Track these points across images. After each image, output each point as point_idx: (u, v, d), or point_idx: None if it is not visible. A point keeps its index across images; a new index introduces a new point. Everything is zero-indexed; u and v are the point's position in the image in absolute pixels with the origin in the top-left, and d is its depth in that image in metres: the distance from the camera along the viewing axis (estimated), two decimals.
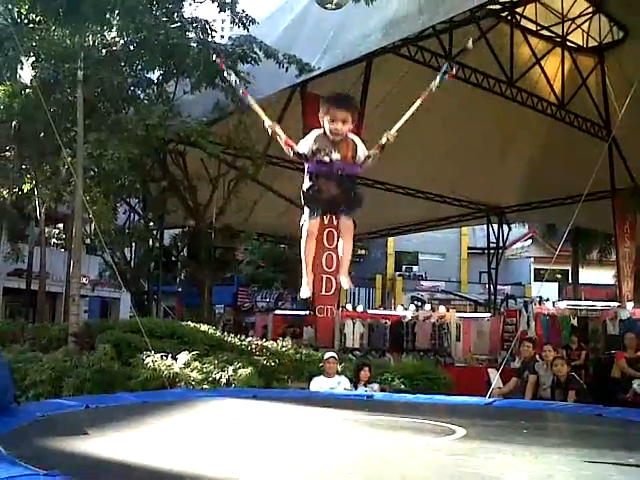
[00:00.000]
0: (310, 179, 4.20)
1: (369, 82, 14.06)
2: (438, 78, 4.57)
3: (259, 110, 4.47)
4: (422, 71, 14.12)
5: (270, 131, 4.25)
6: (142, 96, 13.65)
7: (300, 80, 13.07)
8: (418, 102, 4.52)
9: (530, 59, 16.10)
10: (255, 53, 12.81)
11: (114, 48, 12.38)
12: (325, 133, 4.15)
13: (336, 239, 13.43)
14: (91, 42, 12.01)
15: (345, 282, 4.56)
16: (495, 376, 10.47)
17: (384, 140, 4.21)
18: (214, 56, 5.69)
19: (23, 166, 13.52)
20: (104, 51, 12.42)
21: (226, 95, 12.81)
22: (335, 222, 4.46)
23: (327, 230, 14.28)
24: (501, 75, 15.15)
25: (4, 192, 14.42)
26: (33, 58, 12.03)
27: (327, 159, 4.11)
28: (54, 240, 27.82)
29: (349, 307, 19.51)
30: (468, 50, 4.93)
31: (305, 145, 4.18)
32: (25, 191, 13.74)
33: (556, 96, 16.50)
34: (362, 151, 4.20)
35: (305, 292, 4.53)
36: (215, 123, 14.08)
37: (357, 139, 4.24)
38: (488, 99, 15.93)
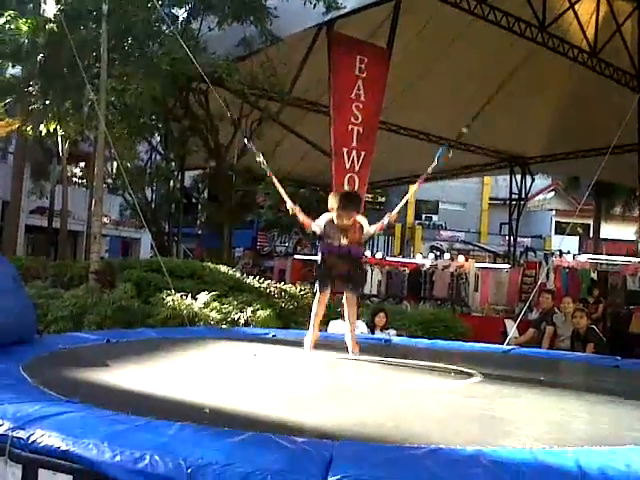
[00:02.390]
0: (322, 256, 4.94)
1: (397, 22, 13.75)
2: (435, 161, 5.28)
3: (282, 190, 5.28)
4: (451, 12, 13.78)
5: (290, 212, 4.97)
6: (167, 32, 13.49)
7: (327, 19, 12.81)
8: (416, 186, 5.81)
9: (563, 3, 15.63)
10: None
11: None
12: (334, 220, 4.80)
13: (357, 182, 13.38)
14: None
15: (350, 347, 5.25)
16: (512, 326, 10.47)
17: (386, 220, 5.03)
18: (245, 140, 6.25)
19: (46, 102, 13.45)
20: None
21: (255, 26, 12.65)
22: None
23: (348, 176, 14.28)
24: (533, 19, 14.72)
25: (28, 129, 14.39)
26: None
27: (336, 243, 4.81)
28: (76, 179, 27.94)
29: (368, 254, 19.51)
30: (463, 134, 6.09)
31: (319, 225, 4.85)
32: (50, 129, 13.69)
33: (588, 43, 16.04)
34: (366, 231, 4.89)
35: (306, 348, 5.23)
36: (241, 61, 13.89)
37: (362, 220, 4.89)
38: (515, 45, 15.54)
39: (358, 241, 4.87)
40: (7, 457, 2.35)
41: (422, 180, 5.35)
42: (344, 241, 4.77)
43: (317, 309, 5.17)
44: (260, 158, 5.60)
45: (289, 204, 4.98)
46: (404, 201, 5.33)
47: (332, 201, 4.82)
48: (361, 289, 5.19)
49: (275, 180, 5.38)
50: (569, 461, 2.26)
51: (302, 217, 4.91)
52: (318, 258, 4.96)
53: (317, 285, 5.09)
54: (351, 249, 4.83)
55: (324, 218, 4.84)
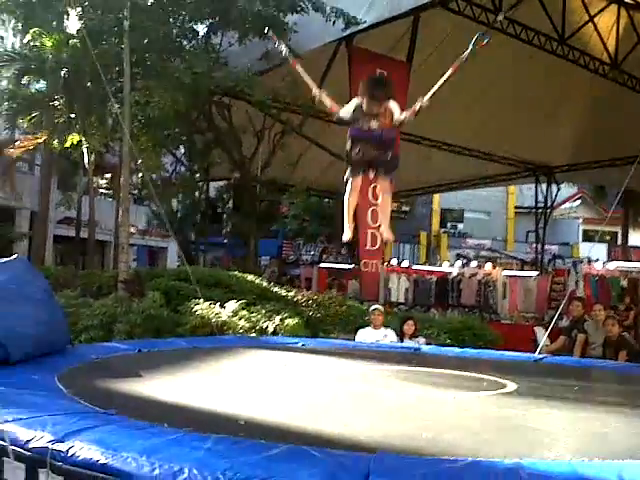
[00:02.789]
0: (352, 142, 4.65)
1: (416, 37, 13.74)
2: (470, 47, 4.97)
3: (306, 76, 4.94)
4: (470, 26, 13.72)
5: (317, 98, 4.72)
6: (188, 47, 13.61)
7: (346, 34, 12.85)
8: (451, 70, 4.94)
9: (583, 16, 15.51)
10: (303, 3, 12.64)
11: None
12: (363, 106, 4.58)
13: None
14: None
15: (386, 234, 5.13)
16: (542, 334, 10.36)
17: (418, 106, 4.62)
18: (270, 33, 5.92)
19: (71, 115, 13.62)
20: (150, 1, 12.38)
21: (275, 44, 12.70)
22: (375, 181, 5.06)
23: (372, 186, 14.22)
24: (552, 32, 14.63)
25: (54, 142, 14.57)
26: (79, 8, 12.03)
27: (366, 127, 4.55)
28: (102, 190, 28.19)
29: (394, 262, 19.45)
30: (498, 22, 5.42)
31: (347, 111, 4.61)
32: (75, 141, 13.86)
33: (609, 55, 15.89)
34: (397, 117, 4.58)
35: (346, 235, 5.08)
36: (262, 74, 13.97)
37: (394, 105, 4.63)
38: (538, 56, 15.43)
39: (389, 125, 4.62)
40: (48, 469, 2.36)
41: (455, 66, 4.98)
42: (374, 124, 4.55)
43: (350, 198, 4.95)
44: (283, 46, 5.44)
45: (314, 90, 4.77)
46: (436, 87, 4.89)
47: (361, 88, 4.68)
48: (394, 173, 4.88)
49: (299, 67, 5.07)
50: (611, 474, 2.22)
51: (329, 102, 4.69)
52: (348, 143, 4.70)
53: (348, 172, 4.83)
54: (383, 132, 4.59)
55: (354, 102, 4.65)
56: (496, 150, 21.30)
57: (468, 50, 4.93)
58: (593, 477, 2.22)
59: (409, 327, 8.73)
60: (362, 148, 4.62)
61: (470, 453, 2.52)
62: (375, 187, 13.21)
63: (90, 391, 3.52)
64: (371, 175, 4.90)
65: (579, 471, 2.28)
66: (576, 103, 18.43)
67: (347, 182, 4.88)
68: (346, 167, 4.85)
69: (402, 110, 4.67)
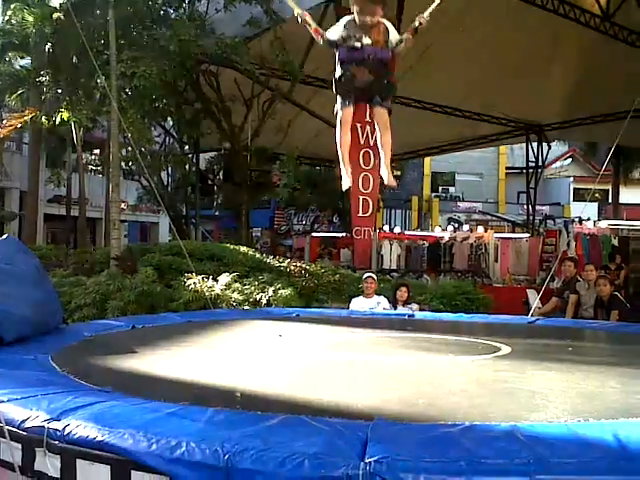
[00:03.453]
0: (342, 66, 4.13)
1: None
2: None
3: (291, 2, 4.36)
4: None
5: (300, 19, 4.12)
6: (174, 15, 13.44)
7: None
8: None
9: None
10: None
11: None
12: (354, 20, 4.04)
13: (372, 158, 13.39)
14: None
15: (386, 176, 4.49)
16: (534, 296, 10.41)
17: (417, 23, 4.11)
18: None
19: (58, 90, 13.47)
20: None
21: (261, 6, 12.61)
22: (370, 116, 4.45)
23: (363, 151, 14.19)
24: None
25: (41, 118, 14.43)
26: None
27: (358, 45, 4.01)
28: (91, 166, 28.02)
29: (386, 228, 19.45)
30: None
31: (335, 32, 4.08)
32: (64, 117, 13.73)
33: (600, 7, 15.78)
34: (394, 36, 4.09)
35: (346, 183, 4.52)
36: (249, 41, 13.82)
37: (388, 24, 4.13)
38: (528, 12, 15.31)
39: (384, 43, 4.07)
40: (45, 448, 2.36)
41: None
42: (367, 40, 3.99)
43: (342, 135, 4.29)
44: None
45: (296, 10, 4.18)
46: (436, 3, 4.29)
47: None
48: (391, 101, 4.26)
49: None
50: (607, 434, 2.23)
51: (313, 24, 4.12)
52: (337, 68, 4.15)
53: (338, 102, 4.21)
54: (376, 51, 4.02)
55: (343, 20, 4.11)
56: (487, 110, 21.22)
57: None
58: (589, 437, 2.23)
59: (402, 294, 8.75)
60: (353, 71, 4.09)
61: (466, 417, 2.53)
62: (367, 152, 13.24)
63: (85, 369, 3.52)
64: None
65: (575, 432, 2.29)
66: (567, 60, 18.31)
67: (336, 115, 4.26)
68: (335, 97, 4.25)
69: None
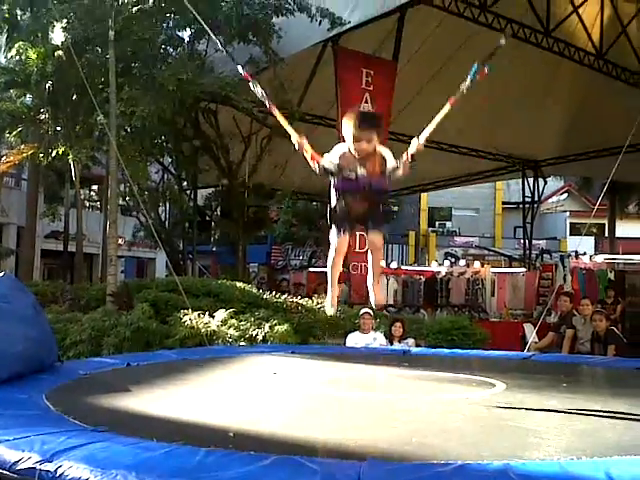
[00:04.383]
0: (337, 195, 4.07)
1: (402, 34, 13.79)
2: (469, 78, 4.36)
3: (285, 122, 4.34)
4: (456, 22, 13.80)
5: (297, 146, 4.03)
6: (174, 54, 13.62)
7: (332, 34, 12.88)
8: (448, 105, 4.30)
9: (567, 7, 15.61)
10: (289, 4, 12.70)
11: (145, 5, 12.31)
12: (350, 150, 3.94)
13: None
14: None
15: (373, 298, 4.46)
16: (531, 330, 10.41)
17: (413, 149, 3.99)
18: (239, 67, 5.57)
19: (57, 128, 13.58)
20: (134, 9, 12.36)
21: (260, 46, 12.80)
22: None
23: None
24: (537, 25, 14.72)
25: (40, 154, 14.53)
26: (65, 20, 12.02)
27: (353, 176, 3.94)
28: (89, 202, 28.13)
29: (383, 264, 19.43)
30: (501, 46, 4.54)
31: (331, 161, 3.98)
32: (60, 153, 13.83)
33: (594, 45, 16.01)
34: (390, 163, 3.97)
35: (329, 309, 4.49)
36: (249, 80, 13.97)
37: (385, 151, 4.03)
38: (523, 50, 15.53)
39: (379, 173, 3.96)
40: None
41: (453, 100, 4.32)
42: (362, 171, 3.91)
43: (335, 260, 4.27)
44: (258, 88, 4.60)
45: (294, 137, 4.08)
46: (432, 127, 4.23)
47: (346, 124, 3.94)
48: (386, 226, 4.20)
49: (277, 112, 4.47)
50: (599, 472, 2.24)
51: (310, 150, 3.99)
52: (333, 198, 4.09)
53: (333, 230, 4.15)
54: (372, 182, 3.93)
55: (338, 148, 3.99)
56: (483, 146, 21.38)
57: (467, 82, 4.37)
58: (581, 476, 2.24)
59: (397, 329, 8.79)
60: (349, 201, 4.02)
61: (459, 456, 2.54)
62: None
63: (79, 408, 3.51)
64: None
65: (567, 470, 2.30)
66: (561, 96, 18.52)
67: (330, 244, 4.24)
68: (330, 227, 4.16)
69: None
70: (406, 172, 3.97)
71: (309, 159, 4.01)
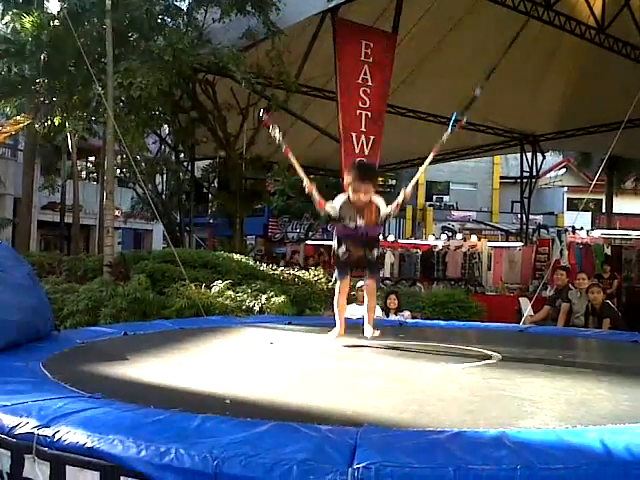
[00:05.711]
0: (339, 241, 4.76)
1: (402, 6, 13.67)
2: (449, 129, 4.85)
3: (298, 167, 4.89)
4: None
5: (307, 190, 4.63)
6: (171, 24, 13.48)
7: (331, 5, 12.76)
8: (432, 154, 4.88)
9: None
10: None
11: None
12: (349, 199, 4.57)
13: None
14: None
15: (370, 333, 5.05)
16: (527, 304, 10.46)
17: (401, 198, 4.59)
18: (261, 111, 5.58)
19: (54, 99, 13.48)
20: None
21: (258, 18, 12.69)
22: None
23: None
24: None
25: (36, 125, 14.43)
26: None
27: (352, 225, 4.59)
28: (85, 173, 28.03)
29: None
30: (477, 97, 5.60)
31: (334, 207, 4.60)
32: (56, 124, 13.74)
33: (596, 19, 15.89)
34: (383, 211, 4.60)
35: (334, 336, 5.12)
36: (245, 50, 13.88)
37: (379, 200, 4.64)
38: (522, 23, 15.43)
39: (375, 222, 4.63)
40: (34, 455, 2.36)
41: (436, 150, 4.90)
42: (360, 222, 4.56)
43: (339, 299, 5.03)
44: (277, 132, 4.98)
45: (305, 182, 4.70)
46: (418, 175, 5.05)
47: (347, 177, 4.62)
48: (380, 273, 4.88)
49: (292, 157, 4.94)
50: (594, 440, 2.25)
51: (317, 197, 4.61)
52: (334, 244, 4.78)
53: (336, 273, 4.93)
54: (368, 231, 4.62)
55: (339, 199, 4.63)
56: (482, 120, 21.28)
57: (448, 132, 4.84)
58: (577, 444, 2.25)
59: (392, 302, 8.83)
60: (349, 247, 4.70)
61: (456, 424, 2.55)
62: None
63: (76, 376, 3.51)
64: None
65: (563, 438, 2.31)
66: (561, 70, 18.44)
67: (335, 283, 4.99)
68: (333, 270, 4.96)
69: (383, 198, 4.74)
70: (396, 213, 4.69)
71: (316, 204, 4.65)
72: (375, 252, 4.78)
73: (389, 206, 4.62)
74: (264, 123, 5.23)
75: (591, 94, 18.09)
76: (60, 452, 2.32)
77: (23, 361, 3.79)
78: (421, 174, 5.10)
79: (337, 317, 5.11)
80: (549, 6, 14.60)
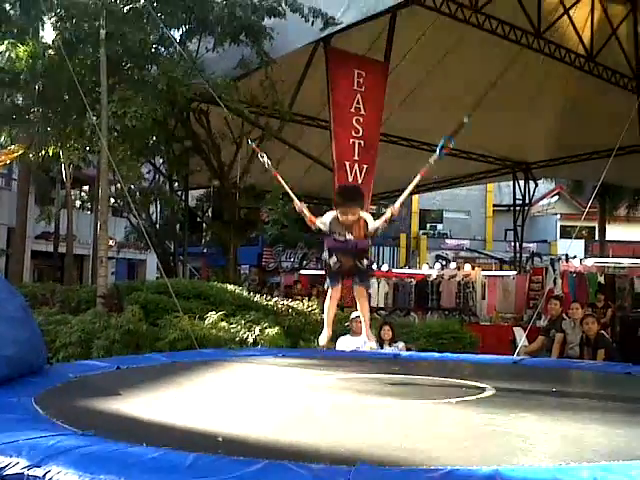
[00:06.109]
0: (330, 252, 4.89)
1: (394, 35, 13.82)
2: (437, 153, 5.01)
3: (287, 188, 5.27)
4: (448, 23, 13.85)
5: (297, 208, 4.94)
6: (165, 54, 13.57)
7: (324, 34, 12.90)
8: (419, 176, 5.08)
9: (558, 9, 15.68)
10: (281, 6, 12.72)
11: (136, 5, 12.28)
12: (338, 217, 4.73)
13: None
14: None
15: (369, 338, 5.45)
16: (521, 334, 10.44)
17: (389, 214, 4.82)
18: (249, 142, 6.11)
19: (48, 128, 13.51)
20: (126, 8, 12.32)
21: (251, 48, 12.83)
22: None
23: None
24: (528, 26, 14.79)
25: (30, 155, 14.46)
26: (55, 17, 11.97)
27: (342, 239, 4.76)
28: (79, 202, 28.02)
29: (374, 267, 19.47)
30: (465, 124, 5.84)
31: (324, 222, 4.80)
32: (51, 154, 13.77)
33: (585, 47, 16.08)
34: (371, 226, 4.77)
35: (323, 340, 5.36)
36: (239, 80, 13.98)
37: (367, 216, 4.83)
38: (515, 51, 15.61)
39: (364, 235, 4.81)
40: None
41: (423, 172, 5.10)
42: (349, 236, 4.74)
43: (329, 306, 5.19)
44: (265, 158, 5.41)
45: (296, 202, 5.00)
46: (406, 194, 5.25)
47: (336, 199, 4.86)
48: (370, 281, 5.24)
49: (281, 179, 5.32)
50: (587, 478, 2.25)
51: (308, 214, 4.88)
52: (325, 254, 4.93)
53: (327, 281, 5.08)
54: (357, 243, 4.79)
55: (329, 215, 4.80)
56: (474, 148, 21.43)
57: (436, 155, 5.00)
58: None
59: (386, 332, 8.81)
60: (340, 258, 4.84)
61: (449, 461, 2.54)
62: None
63: (68, 412, 3.50)
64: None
65: (556, 476, 2.31)
66: (552, 98, 18.60)
67: (327, 291, 5.12)
68: (325, 278, 5.10)
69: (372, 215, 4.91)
70: (384, 228, 4.89)
71: (307, 221, 4.91)
72: (365, 261, 4.92)
73: (377, 221, 4.79)
74: (253, 149, 5.47)
75: (582, 122, 18.24)
76: None
77: (15, 396, 3.78)
78: (409, 193, 5.28)
79: (326, 321, 5.29)
80: (539, 34, 14.78)
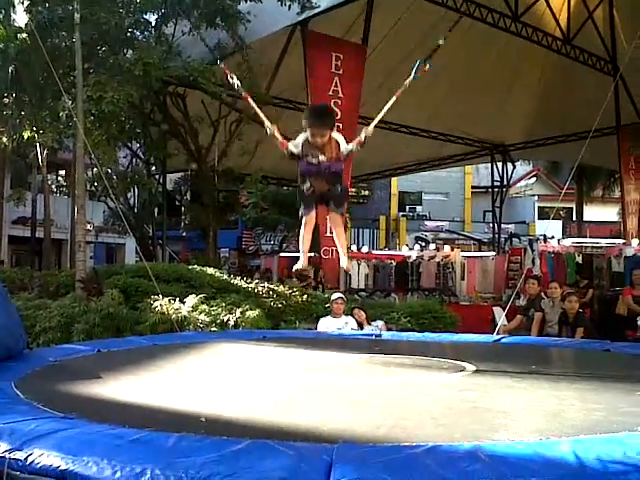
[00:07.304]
0: (302, 177, 4.75)
1: (371, 18, 13.77)
2: (412, 75, 5.05)
3: (260, 112, 5.03)
4: (425, 6, 13.83)
5: (269, 132, 4.76)
6: (140, 38, 13.43)
7: (301, 18, 12.82)
8: (394, 97, 5.06)
9: None
10: None
11: None
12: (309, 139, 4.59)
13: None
14: None
15: (344, 262, 5.24)
16: (500, 314, 10.52)
17: (363, 136, 4.67)
18: (221, 64, 5.93)
19: (22, 112, 13.34)
20: None
21: (227, 31, 12.71)
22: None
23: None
24: (506, 9, 14.81)
25: (4, 139, 14.27)
26: (27, 1, 11.79)
27: (315, 161, 4.60)
28: (56, 187, 27.72)
29: (354, 248, 19.51)
30: (440, 46, 5.75)
31: (296, 144, 4.64)
32: (26, 138, 13.60)
33: (562, 31, 16.16)
34: (344, 147, 4.64)
35: (299, 264, 5.19)
36: (216, 64, 13.89)
37: (339, 137, 4.68)
38: (492, 35, 15.63)
39: (337, 157, 4.65)
40: None
41: (399, 93, 5.07)
42: (322, 157, 4.59)
43: (304, 233, 5.02)
44: (235, 80, 5.19)
45: (266, 123, 4.83)
46: (380, 115, 5.05)
47: (303, 122, 4.64)
48: (344, 207, 5.00)
49: (251, 101, 5.14)
50: (567, 452, 2.28)
51: (279, 137, 4.70)
52: (299, 179, 4.78)
53: (302, 208, 4.90)
54: (331, 165, 4.63)
55: (301, 137, 4.64)
56: (452, 131, 21.50)
57: (410, 77, 5.03)
58: (550, 456, 2.27)
59: (358, 315, 8.92)
60: (313, 182, 4.70)
61: (431, 438, 2.56)
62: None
63: (49, 396, 3.47)
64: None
65: (536, 450, 2.33)
66: (529, 81, 18.69)
67: (301, 218, 4.93)
68: (299, 203, 4.92)
69: (347, 139, 4.75)
70: (359, 148, 4.69)
71: (279, 145, 4.70)
72: (338, 187, 4.80)
73: (350, 143, 4.67)
74: (223, 71, 5.36)
75: (559, 104, 18.36)
76: (33, 476, 2.29)
77: None
78: (382, 116, 5.06)
79: (302, 249, 5.15)
80: (516, 18, 14.81)
